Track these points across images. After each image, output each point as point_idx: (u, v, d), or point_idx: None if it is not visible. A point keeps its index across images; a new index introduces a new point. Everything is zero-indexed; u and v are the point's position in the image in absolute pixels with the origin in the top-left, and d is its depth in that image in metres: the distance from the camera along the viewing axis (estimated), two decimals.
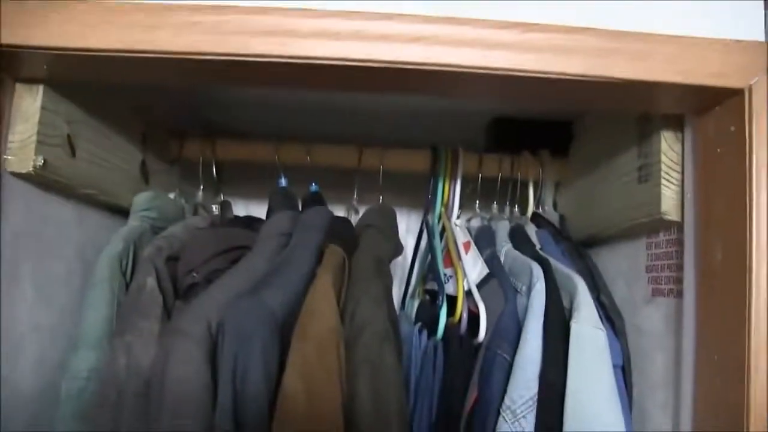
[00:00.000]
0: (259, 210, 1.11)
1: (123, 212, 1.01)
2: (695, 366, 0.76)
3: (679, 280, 0.80)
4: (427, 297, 1.09)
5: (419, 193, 1.14)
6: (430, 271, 1.05)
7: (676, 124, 0.82)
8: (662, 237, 0.86)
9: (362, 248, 0.97)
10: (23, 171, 0.78)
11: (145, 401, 0.79)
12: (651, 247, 0.89)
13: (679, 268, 0.81)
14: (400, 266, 1.26)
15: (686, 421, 0.77)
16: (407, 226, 1.29)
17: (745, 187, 0.68)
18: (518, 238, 1.02)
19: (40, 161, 0.78)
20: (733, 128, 0.70)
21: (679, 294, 0.80)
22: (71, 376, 0.84)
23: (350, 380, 0.81)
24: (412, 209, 1.31)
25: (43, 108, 0.78)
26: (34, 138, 0.78)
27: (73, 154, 0.86)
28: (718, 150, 0.73)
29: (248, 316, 0.80)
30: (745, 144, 0.69)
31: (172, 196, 1.11)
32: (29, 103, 0.78)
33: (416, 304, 1.10)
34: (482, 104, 1.12)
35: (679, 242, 0.81)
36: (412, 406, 0.89)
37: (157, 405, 0.77)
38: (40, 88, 0.78)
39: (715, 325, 0.73)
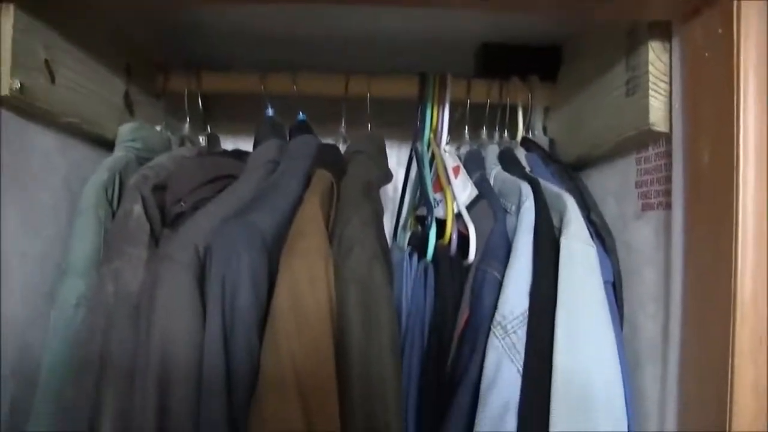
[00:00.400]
0: (247, 147, 1.10)
1: (108, 144, 1.00)
2: (684, 273, 0.76)
3: (668, 192, 0.80)
4: (419, 227, 1.08)
5: (409, 124, 1.13)
6: (420, 197, 1.04)
7: (664, 34, 0.80)
8: (651, 151, 0.85)
9: (351, 173, 0.96)
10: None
11: (134, 327, 0.79)
12: (640, 162, 0.88)
13: (669, 180, 0.80)
14: (390, 199, 1.26)
15: (675, 328, 0.77)
16: (398, 159, 1.28)
17: (733, 89, 0.67)
18: (507, 161, 1.01)
19: (17, 84, 0.76)
20: (720, 30, 0.69)
21: (669, 206, 0.80)
22: (60, 305, 0.84)
23: (340, 300, 0.81)
24: (402, 142, 1.30)
25: (15, 29, 0.76)
26: (9, 60, 0.76)
27: (53, 79, 0.84)
28: (706, 55, 0.72)
29: (235, 238, 0.79)
30: (732, 45, 0.67)
31: (158, 129, 1.09)
32: (1, 24, 0.76)
33: (408, 235, 1.10)
34: (470, 24, 1.10)
35: (668, 154, 0.80)
36: (404, 329, 0.88)
37: (146, 330, 0.77)
38: (11, 7, 0.76)
39: (703, 230, 0.72)
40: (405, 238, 1.09)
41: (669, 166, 0.80)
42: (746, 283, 0.66)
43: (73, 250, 0.86)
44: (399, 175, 1.16)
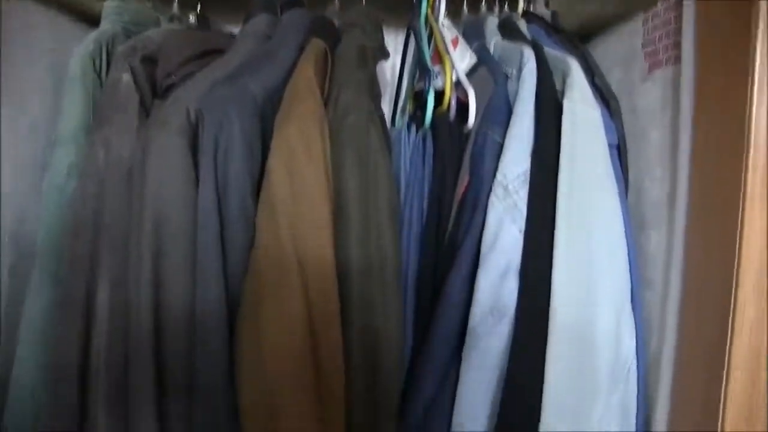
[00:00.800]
0: None
1: (95, 22, 0.96)
2: (693, 128, 0.73)
3: (678, 45, 0.76)
4: (417, 109, 1.05)
5: (405, 12, 1.08)
6: (418, 68, 1.00)
7: None
8: (660, 6, 0.82)
9: (345, 42, 0.93)
10: None
11: (126, 193, 0.78)
12: (647, 22, 0.85)
13: (679, 32, 0.77)
14: (388, 84, 1.22)
15: (683, 187, 0.75)
16: (395, 47, 1.22)
17: None
18: (508, 30, 0.96)
19: None
20: None
21: (678, 60, 0.76)
22: (51, 175, 0.83)
23: (336, 166, 0.79)
24: (398, 29, 1.25)
25: None
26: None
27: None
28: None
29: (226, 100, 0.78)
30: None
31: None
32: None
33: (406, 119, 1.07)
34: None
35: (679, 5, 0.77)
36: (403, 199, 0.86)
37: (139, 195, 0.76)
38: None
39: (716, 79, 0.70)
40: (403, 122, 1.07)
41: (679, 18, 0.77)
42: (761, 127, 0.64)
43: (62, 120, 0.85)
44: (396, 61, 1.13)
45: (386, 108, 1.05)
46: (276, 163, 0.76)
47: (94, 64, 0.87)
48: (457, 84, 0.89)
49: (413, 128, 0.90)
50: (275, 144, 0.77)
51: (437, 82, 0.92)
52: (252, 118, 0.77)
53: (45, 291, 0.81)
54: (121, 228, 0.77)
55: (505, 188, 0.76)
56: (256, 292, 0.75)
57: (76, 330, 0.76)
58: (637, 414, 0.80)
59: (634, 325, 0.79)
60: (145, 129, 0.78)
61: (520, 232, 0.76)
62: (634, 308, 0.79)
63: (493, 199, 0.76)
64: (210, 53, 0.92)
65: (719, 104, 0.69)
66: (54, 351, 0.77)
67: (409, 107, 1.09)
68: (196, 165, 0.77)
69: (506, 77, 0.87)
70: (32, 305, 0.81)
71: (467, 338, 0.76)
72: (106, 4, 0.95)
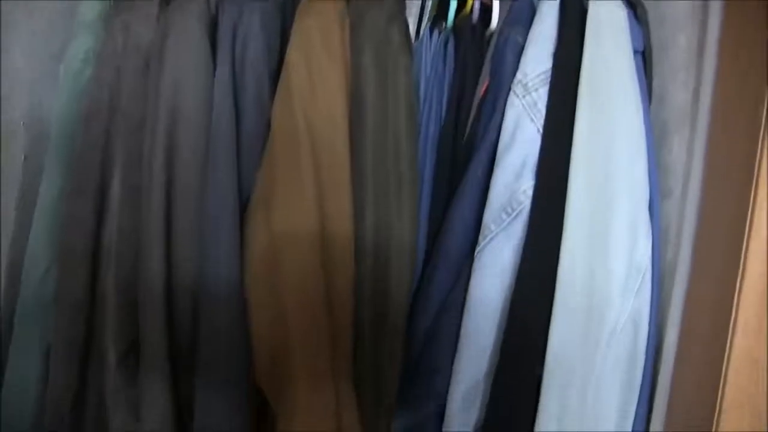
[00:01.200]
0: None
1: None
2: (721, 31, 0.71)
3: None
4: (441, 20, 1.03)
5: None
6: None
7: None
8: None
9: None
10: None
11: (143, 77, 0.78)
12: None
13: None
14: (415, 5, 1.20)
15: (708, 88, 0.73)
16: None
17: None
18: None
19: None
20: None
21: None
22: (68, 60, 0.83)
23: (355, 59, 0.78)
24: None
25: None
26: None
27: None
28: None
29: None
30: None
31: None
32: None
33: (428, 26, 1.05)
34: None
35: None
36: (423, 97, 0.86)
37: (155, 80, 0.76)
38: None
39: None
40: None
41: None
42: None
43: (83, 7, 0.84)
44: None
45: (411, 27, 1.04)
46: (294, 53, 0.75)
47: None
48: None
49: (435, 33, 0.89)
50: (294, 35, 0.76)
51: None
52: (272, 12, 0.77)
53: (58, 176, 0.82)
54: (137, 113, 0.77)
55: (525, 86, 0.75)
56: (269, 179, 0.75)
57: (87, 213, 0.78)
58: (649, 324, 0.79)
59: (650, 233, 0.78)
60: (164, 14, 0.78)
61: (539, 131, 0.75)
62: (651, 217, 0.78)
63: (512, 97, 0.75)
64: None
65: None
66: (65, 232, 0.79)
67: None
68: (214, 56, 0.77)
69: None
70: (46, 190, 0.82)
71: (480, 237, 0.76)
72: None
